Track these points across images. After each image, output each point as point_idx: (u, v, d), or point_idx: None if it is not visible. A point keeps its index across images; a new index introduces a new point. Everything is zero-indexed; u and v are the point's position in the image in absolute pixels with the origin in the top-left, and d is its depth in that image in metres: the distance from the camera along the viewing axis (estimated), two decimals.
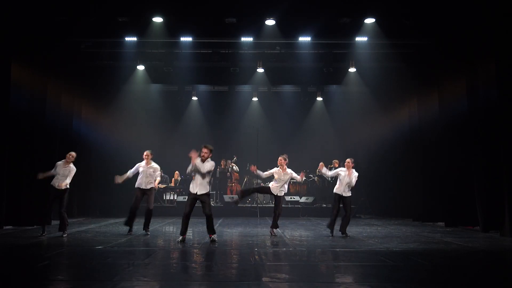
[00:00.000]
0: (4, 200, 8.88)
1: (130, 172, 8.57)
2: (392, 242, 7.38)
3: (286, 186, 8.73)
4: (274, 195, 8.61)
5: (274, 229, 8.50)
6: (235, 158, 14.97)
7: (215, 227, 9.65)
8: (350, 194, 8.39)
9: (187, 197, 7.75)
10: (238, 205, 8.68)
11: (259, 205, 13.45)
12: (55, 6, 9.65)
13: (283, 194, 8.68)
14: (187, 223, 7.38)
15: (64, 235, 7.92)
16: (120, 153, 14.19)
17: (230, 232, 9.09)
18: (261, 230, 9.38)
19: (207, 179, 7.38)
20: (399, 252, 6.34)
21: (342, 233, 8.22)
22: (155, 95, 15.36)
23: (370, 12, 10.09)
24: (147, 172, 8.52)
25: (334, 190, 8.52)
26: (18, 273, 4.86)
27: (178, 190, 14.54)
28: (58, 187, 8.01)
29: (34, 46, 9.90)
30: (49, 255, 5.94)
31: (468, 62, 9.65)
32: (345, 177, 8.37)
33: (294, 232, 9.09)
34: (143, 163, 8.61)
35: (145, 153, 8.63)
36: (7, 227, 9.17)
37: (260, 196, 14.30)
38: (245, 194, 8.86)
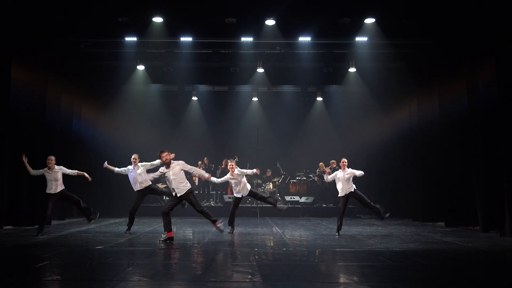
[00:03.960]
0: (4, 200, 8.89)
1: (118, 169, 8.82)
2: (392, 242, 7.37)
3: (245, 185, 8.71)
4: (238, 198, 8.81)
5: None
6: (236, 158, 14.97)
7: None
8: (354, 189, 8.54)
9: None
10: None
11: (259, 205, 13.45)
12: (56, 6, 9.66)
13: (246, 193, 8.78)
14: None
15: (91, 222, 8.67)
16: (120, 153, 14.16)
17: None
18: (261, 230, 9.38)
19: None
20: (399, 252, 6.34)
21: (382, 219, 8.71)
22: (155, 95, 15.35)
23: (370, 12, 10.09)
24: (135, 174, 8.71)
25: (339, 195, 8.67)
26: (18, 273, 4.86)
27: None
28: (54, 192, 8.24)
29: (34, 46, 9.90)
30: (49, 255, 5.94)
31: (468, 62, 9.64)
32: (343, 177, 8.52)
33: (294, 232, 9.09)
34: (131, 166, 8.76)
35: (132, 157, 8.80)
36: (7, 227, 9.17)
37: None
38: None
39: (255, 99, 15.95)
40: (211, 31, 10.89)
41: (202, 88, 15.85)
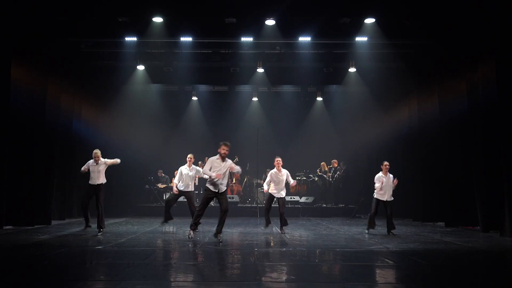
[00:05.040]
0: (4, 200, 8.88)
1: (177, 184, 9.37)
2: (392, 242, 7.38)
3: (283, 186, 8.93)
4: (277, 198, 8.86)
5: (284, 227, 8.84)
6: (236, 158, 14.97)
7: (215, 227, 9.67)
8: (392, 199, 9.02)
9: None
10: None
11: (259, 205, 13.44)
12: (55, 6, 9.65)
13: (284, 195, 8.93)
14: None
15: (99, 233, 8.28)
16: (120, 153, 14.13)
17: (230, 232, 9.09)
18: (261, 230, 9.37)
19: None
20: (399, 252, 6.34)
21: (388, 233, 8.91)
22: (155, 95, 15.35)
23: (370, 12, 10.09)
24: (188, 174, 9.23)
25: (376, 196, 9.11)
26: (18, 273, 4.86)
27: (177, 190, 14.51)
28: (92, 183, 8.68)
29: (34, 46, 9.90)
30: (49, 255, 5.94)
31: (468, 62, 9.65)
32: (387, 182, 8.99)
33: (294, 232, 9.09)
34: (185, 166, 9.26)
35: (188, 156, 9.28)
36: (7, 227, 9.16)
37: (260, 196, 14.29)
38: (268, 222, 9.21)
39: (255, 99, 15.95)
40: (211, 31, 10.89)
41: (202, 88, 15.85)
